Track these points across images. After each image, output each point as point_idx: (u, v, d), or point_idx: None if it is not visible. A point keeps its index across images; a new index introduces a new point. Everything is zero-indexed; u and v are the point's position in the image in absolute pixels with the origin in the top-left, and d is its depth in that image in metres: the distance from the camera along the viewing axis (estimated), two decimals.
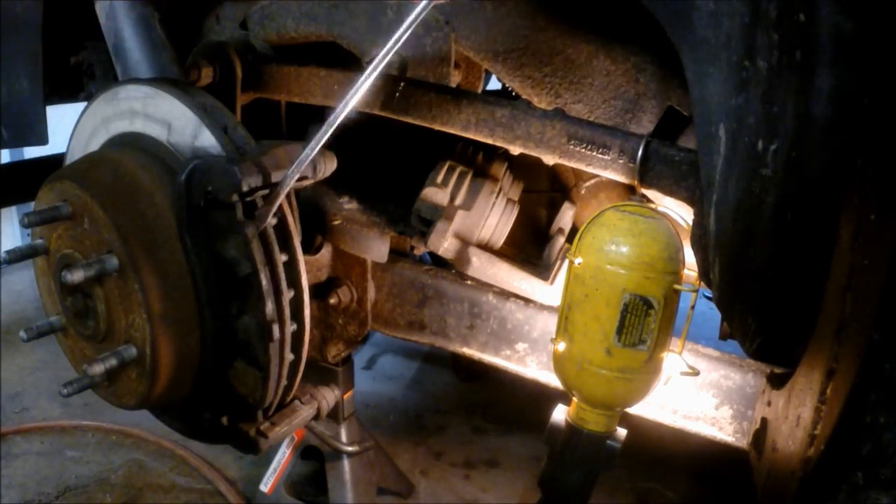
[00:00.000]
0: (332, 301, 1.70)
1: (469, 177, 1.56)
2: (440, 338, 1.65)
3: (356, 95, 1.08)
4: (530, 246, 1.70)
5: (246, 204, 1.33)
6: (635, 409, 1.37)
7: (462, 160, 1.60)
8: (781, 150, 0.91)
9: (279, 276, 1.37)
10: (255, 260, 1.30)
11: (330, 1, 1.56)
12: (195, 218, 1.32)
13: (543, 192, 1.77)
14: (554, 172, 1.73)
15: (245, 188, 1.25)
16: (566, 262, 1.22)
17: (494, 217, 1.56)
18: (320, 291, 1.71)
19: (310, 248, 1.66)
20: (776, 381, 1.07)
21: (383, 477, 2.13)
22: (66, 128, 1.64)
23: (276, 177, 1.32)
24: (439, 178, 1.53)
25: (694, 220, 1.15)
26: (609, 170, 1.25)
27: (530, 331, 1.54)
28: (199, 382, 1.41)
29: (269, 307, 1.32)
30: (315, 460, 2.03)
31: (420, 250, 1.63)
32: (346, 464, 1.94)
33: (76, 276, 1.23)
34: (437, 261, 1.82)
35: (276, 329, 1.34)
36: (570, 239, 1.62)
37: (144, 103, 1.42)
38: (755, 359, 1.04)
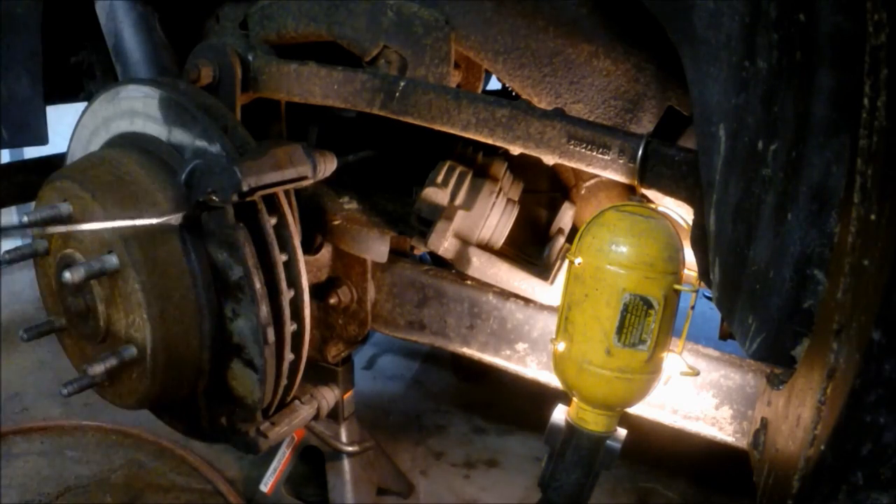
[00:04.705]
0: (332, 301, 1.70)
1: (469, 177, 1.56)
2: (440, 338, 1.65)
3: None
4: (530, 246, 1.70)
5: (243, 205, 1.33)
6: (635, 409, 1.37)
7: (462, 160, 1.60)
8: (781, 150, 0.91)
9: (278, 277, 1.37)
10: (247, 264, 1.30)
11: (330, 1, 1.56)
12: (195, 218, 1.32)
13: (543, 192, 1.77)
14: (554, 172, 1.73)
15: (245, 188, 1.25)
16: (566, 262, 1.22)
17: (494, 217, 1.56)
18: (320, 291, 1.71)
19: (310, 248, 1.66)
20: (776, 381, 1.07)
21: (383, 477, 2.13)
22: (66, 128, 1.64)
23: (275, 177, 1.32)
24: (439, 178, 1.53)
25: (694, 220, 1.15)
26: (609, 170, 1.25)
27: (530, 331, 1.54)
28: (200, 382, 1.41)
29: (264, 311, 1.32)
30: (315, 460, 2.03)
31: (420, 250, 1.63)
32: (346, 464, 1.94)
33: (76, 275, 1.23)
34: (437, 261, 1.82)
35: (271, 332, 1.34)
36: (570, 239, 1.62)
37: (145, 103, 1.42)
38: (755, 359, 1.04)
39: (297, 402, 1.60)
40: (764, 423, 1.14)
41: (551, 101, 1.48)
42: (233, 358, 1.39)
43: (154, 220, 1.25)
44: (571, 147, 1.26)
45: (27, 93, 1.88)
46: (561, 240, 1.61)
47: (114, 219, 1.29)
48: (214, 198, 1.26)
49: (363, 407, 2.64)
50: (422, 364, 3.10)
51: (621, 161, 1.23)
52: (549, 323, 1.51)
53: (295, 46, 1.67)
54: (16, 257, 1.39)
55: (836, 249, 0.87)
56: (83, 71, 2.19)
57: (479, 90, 1.84)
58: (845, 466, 0.78)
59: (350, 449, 1.92)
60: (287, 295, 1.39)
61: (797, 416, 0.90)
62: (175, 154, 1.39)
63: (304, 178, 1.39)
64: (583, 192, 1.71)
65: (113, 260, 1.27)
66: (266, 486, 2.04)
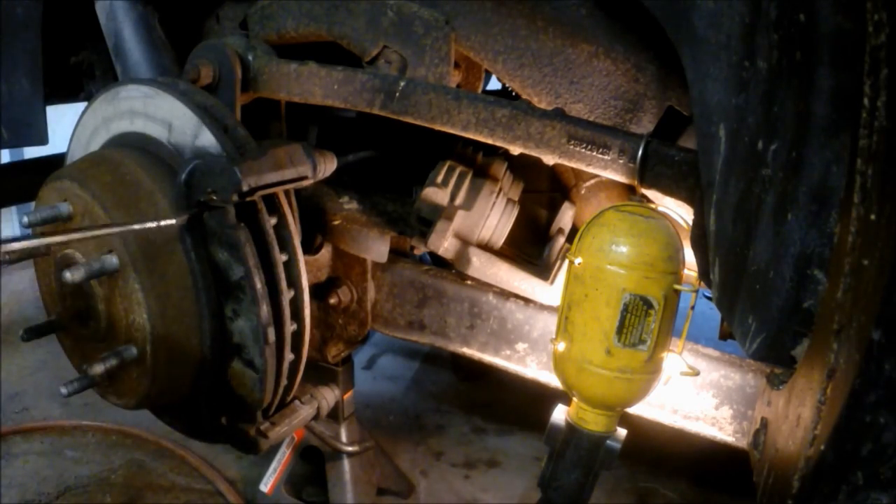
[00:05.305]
0: (332, 301, 1.70)
1: (469, 177, 1.56)
2: (440, 338, 1.65)
3: None
4: (530, 246, 1.70)
5: (243, 205, 1.33)
6: (635, 409, 1.37)
7: (462, 160, 1.60)
8: (781, 150, 0.91)
9: (278, 277, 1.37)
10: (248, 264, 1.30)
11: (330, 1, 1.56)
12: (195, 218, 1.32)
13: (543, 192, 1.77)
14: (554, 172, 1.73)
15: (245, 188, 1.25)
16: (566, 262, 1.22)
17: (494, 217, 1.56)
18: (320, 291, 1.71)
19: (310, 248, 1.66)
20: (776, 381, 1.07)
21: (383, 477, 2.13)
22: (66, 128, 1.64)
23: (275, 177, 1.32)
24: (439, 178, 1.53)
25: (694, 220, 1.15)
26: (609, 170, 1.25)
27: (530, 331, 1.54)
28: (200, 382, 1.41)
29: (264, 311, 1.32)
30: (315, 460, 2.03)
31: (420, 250, 1.63)
32: (346, 464, 1.94)
33: (76, 275, 1.23)
34: (437, 261, 1.82)
35: (271, 332, 1.34)
36: (570, 239, 1.62)
37: (145, 103, 1.42)
38: (755, 359, 1.04)
39: (297, 402, 1.60)
40: (764, 423, 1.14)
41: (551, 101, 1.48)
42: (233, 358, 1.39)
43: (157, 224, 1.25)
44: (571, 147, 1.26)
45: (27, 93, 1.88)
46: (561, 240, 1.61)
47: (115, 220, 1.29)
48: (214, 198, 1.26)
49: (363, 407, 2.64)
50: (422, 364, 3.10)
51: (621, 161, 1.23)
52: (549, 323, 1.51)
53: (295, 46, 1.67)
54: (16, 257, 1.39)
55: (836, 249, 0.87)
56: (83, 71, 2.19)
57: (479, 90, 1.84)
58: (845, 466, 0.78)
59: (350, 449, 1.92)
60: (287, 295, 1.39)
61: (797, 416, 0.90)
62: (175, 154, 1.39)
63: (304, 178, 1.39)
64: (583, 192, 1.71)
65: (113, 260, 1.27)
66: (266, 486, 2.04)
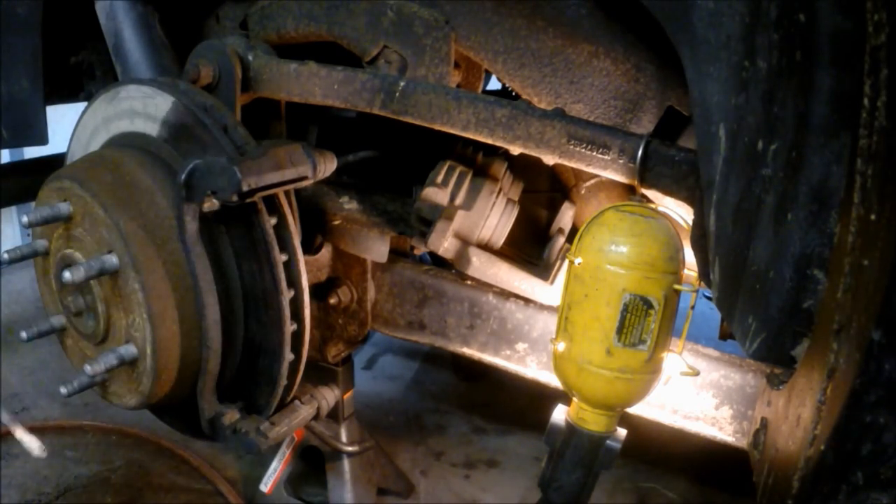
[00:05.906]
0: (332, 301, 1.70)
1: (469, 177, 1.56)
2: (440, 338, 1.65)
3: None
4: (530, 246, 1.70)
5: (243, 205, 1.33)
6: (635, 409, 1.37)
7: (462, 160, 1.60)
8: (781, 150, 0.91)
9: (278, 277, 1.37)
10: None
11: (330, 1, 1.56)
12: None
13: (543, 192, 1.77)
14: (554, 172, 1.73)
15: (245, 188, 1.25)
16: (566, 262, 1.22)
17: (494, 217, 1.56)
18: (320, 291, 1.71)
19: (310, 248, 1.66)
20: (776, 381, 1.07)
21: (383, 477, 2.13)
22: (66, 128, 1.64)
23: (275, 177, 1.32)
24: (439, 178, 1.53)
25: (694, 220, 1.15)
26: (609, 170, 1.25)
27: (530, 331, 1.54)
28: (199, 382, 1.41)
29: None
30: (315, 460, 2.03)
31: (420, 250, 1.63)
32: (346, 464, 1.94)
33: (76, 275, 1.23)
34: (437, 261, 1.82)
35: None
36: (570, 239, 1.62)
37: (145, 103, 1.42)
38: (755, 359, 1.04)
39: (297, 402, 1.60)
40: (764, 423, 1.14)
41: (551, 101, 1.48)
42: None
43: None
44: (571, 147, 1.26)
45: (27, 93, 1.88)
46: (561, 240, 1.61)
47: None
48: (215, 199, 1.26)
49: (363, 407, 2.64)
50: (422, 364, 3.10)
51: (621, 161, 1.23)
52: (549, 323, 1.51)
53: (295, 46, 1.67)
54: (16, 257, 1.39)
55: (836, 249, 0.87)
56: (83, 71, 2.19)
57: (479, 90, 1.84)
58: (845, 466, 0.78)
59: (350, 449, 1.92)
60: (287, 295, 1.39)
61: (797, 416, 0.90)
62: (175, 154, 1.39)
63: (304, 178, 1.39)
64: (583, 192, 1.71)
65: (113, 260, 1.27)
66: (266, 486, 2.04)
